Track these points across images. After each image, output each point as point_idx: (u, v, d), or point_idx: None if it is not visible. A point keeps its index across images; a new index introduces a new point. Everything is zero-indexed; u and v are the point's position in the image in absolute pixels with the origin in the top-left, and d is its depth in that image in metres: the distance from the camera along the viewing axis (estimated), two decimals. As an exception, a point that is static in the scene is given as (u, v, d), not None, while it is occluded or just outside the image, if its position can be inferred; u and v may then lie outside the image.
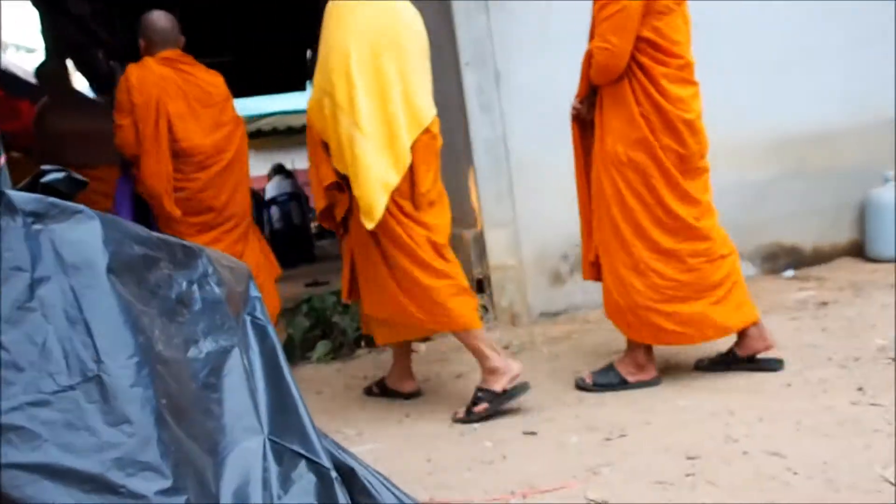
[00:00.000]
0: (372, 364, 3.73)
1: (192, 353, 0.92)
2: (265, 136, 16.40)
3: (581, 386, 2.85)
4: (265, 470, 0.89)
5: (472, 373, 3.35)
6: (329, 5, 2.67)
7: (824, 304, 3.53)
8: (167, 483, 0.79)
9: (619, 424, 2.44)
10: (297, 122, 15.73)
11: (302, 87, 12.77)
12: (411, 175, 2.64)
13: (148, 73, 3.22)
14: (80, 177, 1.06)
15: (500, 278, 3.98)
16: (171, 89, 3.25)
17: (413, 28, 2.74)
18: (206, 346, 0.94)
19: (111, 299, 0.82)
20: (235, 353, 0.98)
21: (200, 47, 4.62)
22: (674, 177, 2.63)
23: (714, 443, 2.19)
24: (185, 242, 1.00)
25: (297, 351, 3.96)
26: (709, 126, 4.15)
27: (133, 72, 3.22)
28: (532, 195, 3.98)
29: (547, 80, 3.97)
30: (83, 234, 0.84)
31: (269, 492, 0.87)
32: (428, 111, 2.69)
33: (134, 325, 0.83)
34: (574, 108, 2.87)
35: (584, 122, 2.86)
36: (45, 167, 1.06)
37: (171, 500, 0.78)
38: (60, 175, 1.04)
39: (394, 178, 2.57)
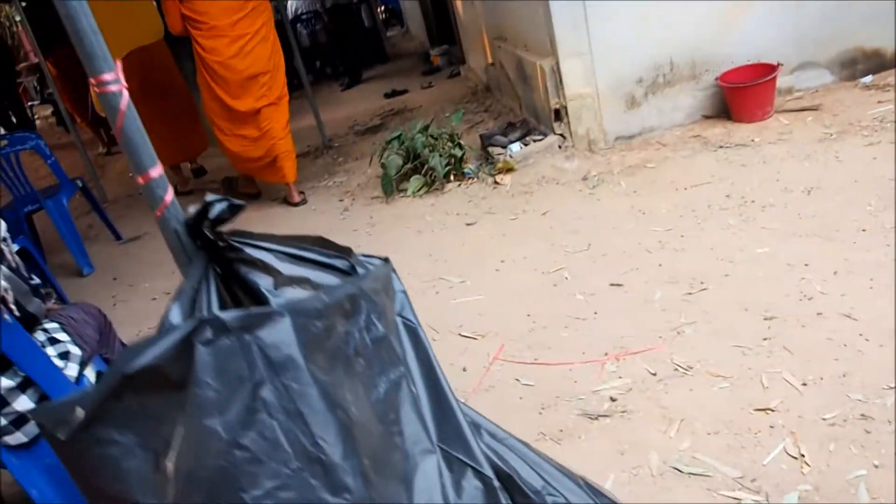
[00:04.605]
0: (463, 197, 3.82)
1: (373, 397, 1.03)
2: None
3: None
4: (442, 485, 1.04)
5: (558, 208, 3.40)
6: None
7: (903, 119, 3.30)
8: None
9: (699, 276, 2.48)
10: None
11: None
12: None
13: None
14: (238, 202, 1.11)
15: (576, 107, 3.85)
16: None
17: None
18: (382, 385, 1.05)
19: (314, 388, 0.92)
20: (404, 383, 1.08)
21: None
22: (219, 95, 4.05)
23: (790, 301, 2.21)
24: (348, 290, 1.05)
25: (393, 186, 4.08)
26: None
27: None
28: (605, 23, 3.70)
29: None
30: (280, 334, 0.91)
31: (446, 501, 1.02)
32: None
33: (333, 404, 0.94)
34: None
35: None
36: (209, 199, 1.11)
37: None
38: (224, 205, 1.10)
39: None
